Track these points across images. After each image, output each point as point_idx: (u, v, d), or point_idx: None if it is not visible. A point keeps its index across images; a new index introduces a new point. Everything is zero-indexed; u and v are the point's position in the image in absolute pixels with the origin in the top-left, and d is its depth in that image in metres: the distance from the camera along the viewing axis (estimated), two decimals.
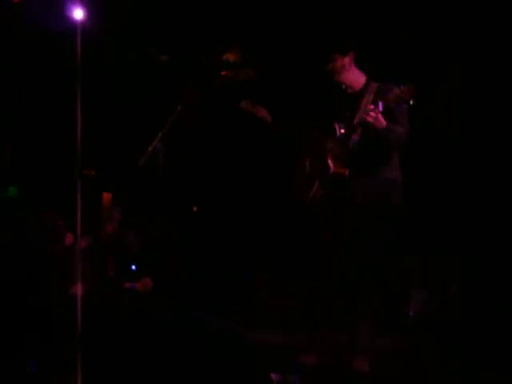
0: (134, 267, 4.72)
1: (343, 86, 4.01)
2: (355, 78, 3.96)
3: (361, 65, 4.00)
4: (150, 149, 4.17)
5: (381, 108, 3.61)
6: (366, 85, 3.91)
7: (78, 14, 3.08)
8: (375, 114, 3.62)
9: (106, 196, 4.92)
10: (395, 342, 4.70)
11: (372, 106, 3.67)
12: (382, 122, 3.66)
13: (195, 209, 5.92)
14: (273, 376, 3.28)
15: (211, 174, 6.03)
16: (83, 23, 3.02)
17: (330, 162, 3.83)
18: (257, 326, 4.85)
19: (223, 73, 4.78)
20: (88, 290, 3.40)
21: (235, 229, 6.02)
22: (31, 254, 4.16)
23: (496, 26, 5.17)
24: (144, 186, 4.92)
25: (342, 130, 3.84)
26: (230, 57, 5.04)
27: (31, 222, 4.41)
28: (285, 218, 5.65)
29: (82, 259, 3.17)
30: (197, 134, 5.86)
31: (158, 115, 4.48)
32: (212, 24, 5.65)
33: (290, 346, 4.27)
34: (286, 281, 5.73)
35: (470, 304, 4.97)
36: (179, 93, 5.37)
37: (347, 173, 3.82)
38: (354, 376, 3.81)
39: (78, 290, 2.89)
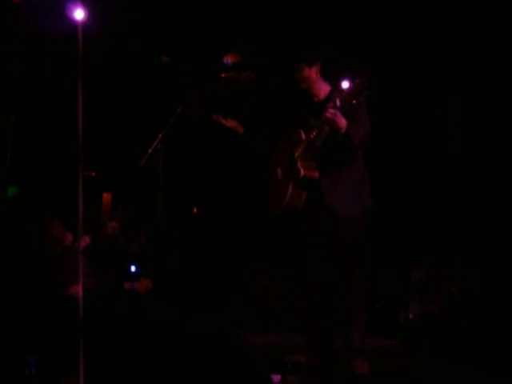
0: (133, 268, 4.72)
1: (309, 95, 4.04)
2: (321, 87, 4.01)
3: (327, 75, 4.03)
4: (150, 150, 4.17)
5: (338, 103, 3.65)
6: (331, 93, 3.95)
7: (79, 14, 3.09)
8: (333, 111, 3.67)
9: (106, 196, 4.93)
10: (394, 343, 4.71)
11: (331, 104, 3.72)
12: (341, 118, 3.70)
13: (195, 210, 5.93)
14: (272, 377, 3.29)
15: (212, 175, 6.03)
16: (84, 24, 3.03)
17: (299, 167, 3.86)
18: (256, 326, 4.86)
19: (223, 75, 4.80)
20: (88, 291, 3.39)
21: (236, 229, 6.02)
22: (31, 254, 4.16)
23: (495, 49, 5.18)
24: (144, 186, 4.93)
25: (308, 136, 3.87)
26: (229, 59, 5.05)
27: (31, 222, 4.42)
28: (285, 218, 5.64)
29: (82, 259, 3.17)
30: (197, 134, 5.87)
31: (158, 116, 4.48)
32: (213, 26, 5.65)
33: (290, 346, 4.27)
34: (285, 281, 5.73)
35: (470, 305, 4.97)
36: (180, 93, 5.39)
37: (317, 175, 3.86)
38: (355, 377, 3.80)
39: (79, 290, 2.89)
